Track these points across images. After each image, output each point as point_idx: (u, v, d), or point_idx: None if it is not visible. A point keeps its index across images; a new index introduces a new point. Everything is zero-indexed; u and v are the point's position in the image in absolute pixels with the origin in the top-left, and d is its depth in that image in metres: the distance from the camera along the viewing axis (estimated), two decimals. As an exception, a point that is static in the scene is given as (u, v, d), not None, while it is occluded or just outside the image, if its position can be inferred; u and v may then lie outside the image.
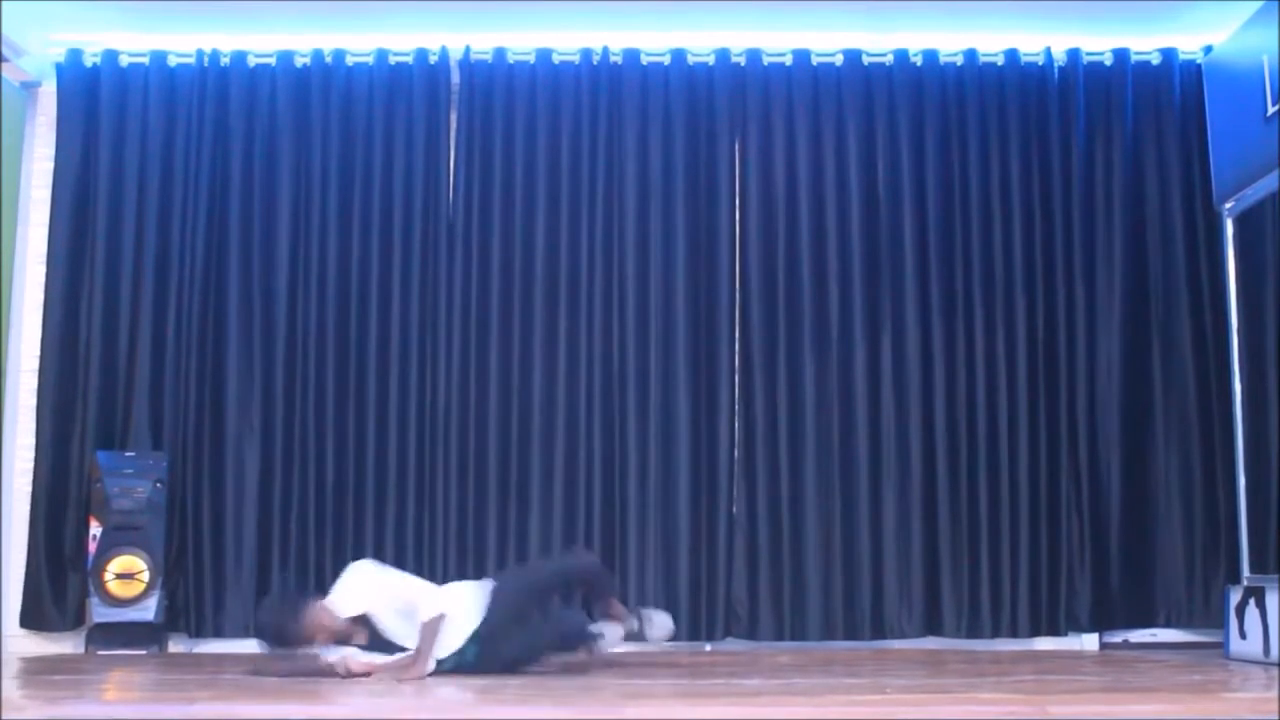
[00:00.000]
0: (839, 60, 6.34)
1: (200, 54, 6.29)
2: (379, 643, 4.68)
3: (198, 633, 5.97)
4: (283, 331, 6.15)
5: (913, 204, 6.24)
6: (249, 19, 6.13)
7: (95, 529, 5.79)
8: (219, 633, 5.95)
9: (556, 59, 6.33)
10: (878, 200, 6.27)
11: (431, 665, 4.63)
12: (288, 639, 4.65)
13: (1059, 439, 6.10)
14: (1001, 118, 6.31)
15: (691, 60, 6.34)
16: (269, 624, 4.70)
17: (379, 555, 5.65)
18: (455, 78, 6.35)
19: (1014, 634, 5.98)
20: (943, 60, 6.34)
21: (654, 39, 6.31)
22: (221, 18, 6.09)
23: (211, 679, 4.62)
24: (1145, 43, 6.34)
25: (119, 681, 4.74)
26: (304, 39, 6.29)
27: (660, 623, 5.22)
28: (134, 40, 6.29)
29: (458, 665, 4.69)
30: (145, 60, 6.29)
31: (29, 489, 6.05)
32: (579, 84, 6.32)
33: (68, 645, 5.97)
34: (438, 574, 5.84)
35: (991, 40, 6.33)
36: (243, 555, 6.00)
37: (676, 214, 6.24)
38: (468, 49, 6.32)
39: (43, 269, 6.18)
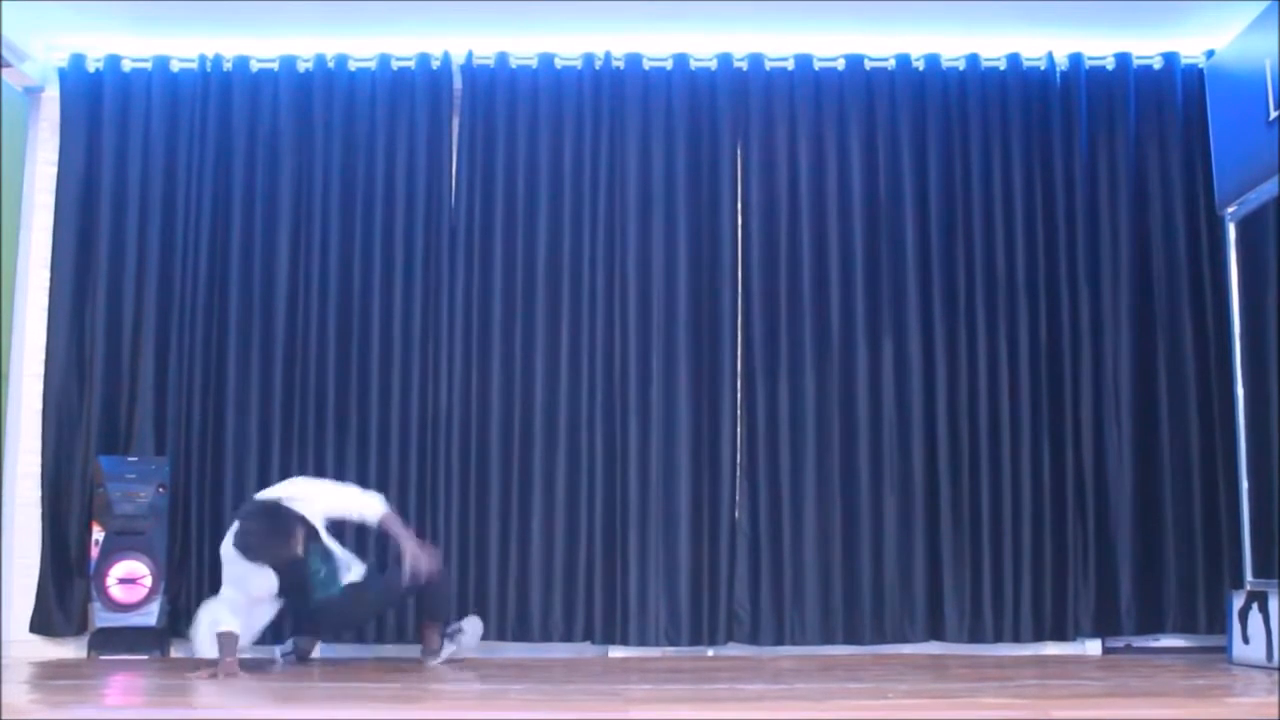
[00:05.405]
0: (841, 65, 6.34)
1: (203, 59, 6.29)
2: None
3: (200, 637, 5.96)
4: (286, 336, 6.15)
5: (915, 208, 6.24)
6: (251, 24, 6.13)
7: (98, 534, 5.79)
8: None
9: (559, 64, 6.33)
10: (879, 205, 6.26)
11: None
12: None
13: (1061, 443, 6.09)
14: (1004, 121, 6.30)
15: (693, 65, 6.34)
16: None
17: (381, 556, 5.66)
18: (457, 82, 6.36)
19: (1016, 639, 5.96)
20: (944, 64, 6.34)
21: (656, 44, 6.31)
22: (224, 23, 6.09)
23: (213, 684, 4.63)
24: (1147, 47, 6.33)
25: (120, 686, 4.74)
26: (306, 44, 6.29)
27: (471, 630, 5.59)
28: (137, 45, 6.30)
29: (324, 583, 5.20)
30: (148, 65, 6.30)
31: (37, 493, 6.06)
32: (581, 89, 6.33)
33: (70, 650, 5.96)
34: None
35: (993, 44, 6.32)
36: (245, 560, 5.99)
37: (678, 219, 6.24)
38: (470, 54, 6.33)
39: (47, 274, 6.18)
